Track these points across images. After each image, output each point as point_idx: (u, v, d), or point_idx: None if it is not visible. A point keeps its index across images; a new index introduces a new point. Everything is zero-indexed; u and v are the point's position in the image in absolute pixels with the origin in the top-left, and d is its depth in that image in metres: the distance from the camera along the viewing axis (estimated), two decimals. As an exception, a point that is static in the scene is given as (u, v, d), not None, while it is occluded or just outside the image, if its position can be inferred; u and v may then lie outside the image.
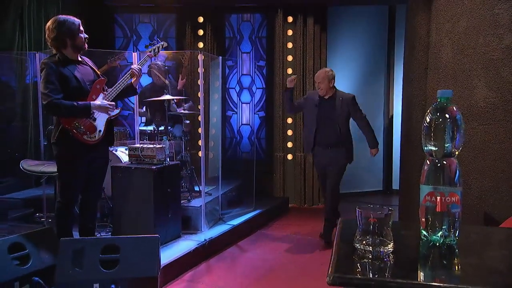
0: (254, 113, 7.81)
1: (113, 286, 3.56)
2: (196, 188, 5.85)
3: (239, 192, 6.28)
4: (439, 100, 1.60)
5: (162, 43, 4.65)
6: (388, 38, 7.38)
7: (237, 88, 7.73)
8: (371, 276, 1.24)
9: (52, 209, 4.85)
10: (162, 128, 5.61)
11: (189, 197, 5.64)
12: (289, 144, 7.23)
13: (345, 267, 1.32)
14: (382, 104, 7.43)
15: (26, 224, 5.28)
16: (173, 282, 4.36)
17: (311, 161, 7.13)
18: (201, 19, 7.27)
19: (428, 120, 1.58)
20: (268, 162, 7.04)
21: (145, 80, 6.23)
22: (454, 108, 1.54)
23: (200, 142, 5.97)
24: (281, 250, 4.93)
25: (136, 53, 5.92)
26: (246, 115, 7.84)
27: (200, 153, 5.80)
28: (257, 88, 7.73)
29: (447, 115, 1.50)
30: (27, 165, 5.20)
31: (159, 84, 6.05)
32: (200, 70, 5.60)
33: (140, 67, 4.04)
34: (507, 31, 4.69)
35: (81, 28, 3.89)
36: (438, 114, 1.53)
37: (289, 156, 6.92)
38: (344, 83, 7.23)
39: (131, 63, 5.80)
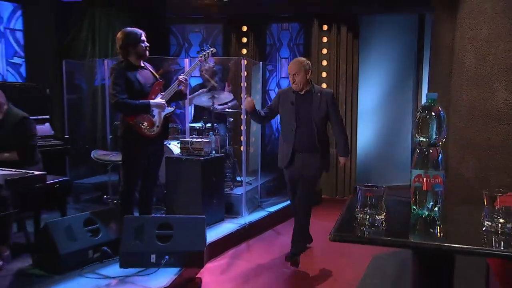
0: None
1: (166, 257, 3.88)
2: (238, 178, 5.99)
3: (276, 183, 6.38)
4: (427, 100, 1.83)
5: (211, 49, 4.92)
6: (418, 45, 7.31)
7: (276, 90, 7.74)
8: (363, 235, 1.49)
9: (116, 192, 5.29)
10: (209, 124, 5.72)
11: (231, 186, 5.80)
12: None
13: (345, 229, 1.58)
14: (411, 108, 7.33)
15: (96, 205, 5.64)
16: (217, 257, 4.57)
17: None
18: (245, 28, 7.39)
19: (417, 116, 1.83)
20: None
21: (196, 81, 6.50)
22: (439, 107, 1.78)
23: (242, 138, 6.09)
24: (313, 234, 5.07)
25: (187, 59, 6.27)
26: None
27: (242, 148, 5.95)
28: None
29: (433, 113, 1.73)
30: (97, 154, 5.69)
31: (208, 86, 6.16)
32: (243, 73, 5.79)
33: (186, 77, 4.32)
34: None
35: (143, 38, 4.23)
36: (426, 112, 1.76)
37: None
38: (375, 87, 7.55)
39: (183, 67, 6.22)
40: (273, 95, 7.68)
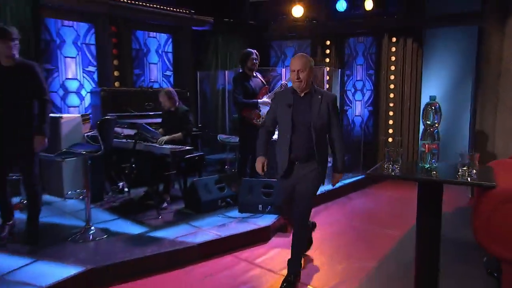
0: (365, 108, 7.93)
1: (269, 207, 4.58)
2: None
3: (351, 162, 6.76)
4: (430, 99, 2.51)
5: None
6: (477, 52, 6.96)
7: (352, 90, 7.95)
8: (383, 173, 2.27)
9: (232, 164, 6.24)
10: None
11: None
12: (390, 130, 7.26)
13: (377, 171, 2.35)
14: (468, 106, 7.10)
15: (219, 173, 6.16)
16: None
17: (406, 143, 6.98)
18: (328, 42, 7.70)
19: (424, 108, 2.50)
20: (373, 143, 7.27)
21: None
22: (436, 103, 2.45)
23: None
24: (377, 200, 5.56)
25: (284, 69, 6.92)
26: (358, 109, 7.98)
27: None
28: (367, 90, 7.83)
29: (432, 107, 2.42)
30: (222, 138, 6.44)
31: None
32: (325, 78, 6.32)
33: (287, 82, 4.90)
34: None
35: (253, 56, 4.96)
36: (428, 106, 2.45)
37: (390, 139, 7.08)
38: (437, 88, 7.45)
39: (280, 74, 6.90)
40: (350, 94, 7.98)
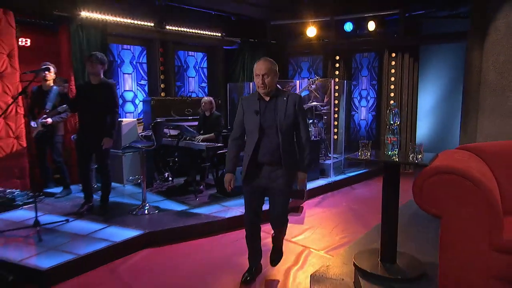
0: (369, 113, 8.08)
1: None
2: (329, 154, 6.61)
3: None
4: (391, 105, 2.95)
5: (316, 77, 5.87)
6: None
7: (358, 98, 8.16)
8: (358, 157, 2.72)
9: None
10: (310, 120, 6.21)
11: (324, 158, 6.51)
12: None
13: (353, 156, 2.86)
14: (459, 113, 6.52)
15: None
16: (313, 198, 5.50)
17: (404, 143, 6.79)
18: (337, 58, 7.92)
19: (387, 111, 2.94)
20: (376, 143, 6.99)
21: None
22: (395, 107, 2.89)
23: (331, 129, 6.85)
24: (375, 190, 5.78)
25: (298, 81, 7.17)
26: (363, 114, 8.17)
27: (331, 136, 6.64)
28: (370, 97, 8.03)
29: (393, 111, 2.83)
30: None
31: (313, 97, 6.70)
32: (332, 88, 6.58)
33: (301, 94, 5.27)
34: None
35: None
36: (389, 109, 2.85)
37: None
38: (431, 96, 7.59)
39: (295, 85, 6.97)
40: (356, 101, 8.09)
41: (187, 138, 5.23)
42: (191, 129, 5.32)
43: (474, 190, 2.10)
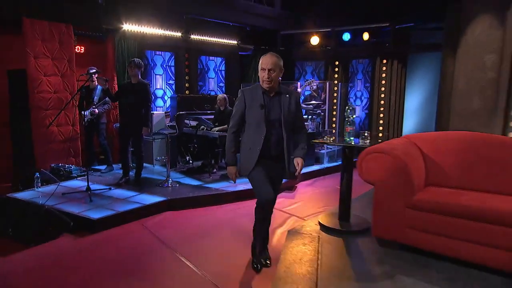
0: (362, 111, 8.21)
1: None
2: (325, 145, 6.62)
3: None
4: (349, 104, 3.46)
5: (312, 79, 6.31)
6: None
7: (354, 98, 8.31)
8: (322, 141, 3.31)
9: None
10: (309, 116, 6.60)
11: (319, 148, 6.70)
12: (380, 128, 7.65)
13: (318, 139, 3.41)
14: None
15: None
16: (307, 180, 5.85)
17: (392, 137, 6.89)
18: (337, 63, 8.14)
19: (345, 108, 3.45)
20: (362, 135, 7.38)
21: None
22: (351, 105, 3.40)
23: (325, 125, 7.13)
24: None
25: (299, 82, 7.48)
26: (357, 112, 8.21)
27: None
28: (364, 98, 8.17)
29: (350, 107, 3.33)
30: None
31: (313, 96, 7.00)
32: (327, 89, 6.86)
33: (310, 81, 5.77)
34: (489, 71, 5.32)
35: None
36: (346, 107, 3.39)
37: (380, 134, 7.29)
38: (415, 99, 7.67)
39: (297, 86, 7.24)
40: (352, 101, 8.17)
41: (204, 129, 5.66)
42: (208, 121, 5.73)
43: (394, 164, 2.66)
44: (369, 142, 3.14)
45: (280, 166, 2.65)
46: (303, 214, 4.24)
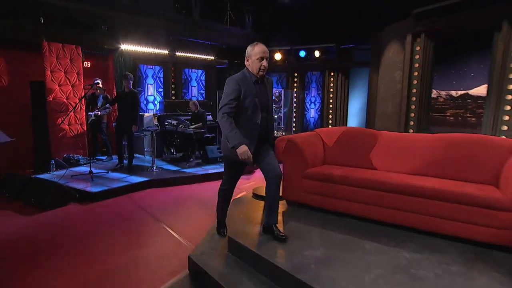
0: (316, 113, 8.66)
1: None
2: None
3: None
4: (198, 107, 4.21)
5: (275, 89, 7.08)
6: None
7: (309, 102, 8.79)
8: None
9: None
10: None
11: None
12: (329, 126, 8.04)
13: None
14: None
15: None
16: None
17: None
18: (295, 74, 8.57)
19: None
20: None
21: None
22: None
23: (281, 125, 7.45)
24: None
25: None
26: (312, 113, 8.78)
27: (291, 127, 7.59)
28: (317, 102, 8.63)
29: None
30: None
31: (275, 101, 7.68)
32: (283, 97, 7.63)
33: None
34: (398, 83, 6.17)
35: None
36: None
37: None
38: (356, 104, 8.18)
39: None
40: (307, 105, 8.56)
41: (183, 126, 6.22)
42: (186, 121, 6.30)
43: (294, 148, 3.32)
44: (284, 133, 3.89)
45: (267, 147, 2.47)
46: (251, 190, 4.91)
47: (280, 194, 3.00)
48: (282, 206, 3.28)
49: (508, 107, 4.51)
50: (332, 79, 8.30)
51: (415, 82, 5.70)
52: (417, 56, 5.65)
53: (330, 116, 8.41)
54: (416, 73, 5.70)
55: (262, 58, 2.31)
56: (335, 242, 2.57)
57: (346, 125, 8.23)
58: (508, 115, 4.53)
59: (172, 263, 2.81)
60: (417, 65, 5.68)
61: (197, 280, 2.58)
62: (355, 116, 8.39)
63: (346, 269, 2.16)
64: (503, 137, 3.94)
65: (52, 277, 2.63)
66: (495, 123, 4.51)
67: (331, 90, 8.34)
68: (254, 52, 2.34)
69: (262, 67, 2.32)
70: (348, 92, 8.23)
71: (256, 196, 3.94)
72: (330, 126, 8.35)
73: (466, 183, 2.81)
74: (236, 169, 2.60)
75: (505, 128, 4.54)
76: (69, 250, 3.09)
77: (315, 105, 8.80)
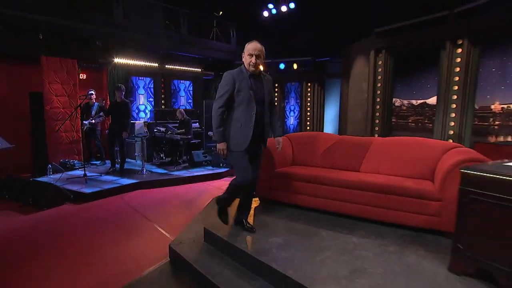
0: (295, 120, 8.84)
1: (224, 163, 6.28)
2: None
3: None
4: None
5: None
6: None
7: (289, 110, 8.95)
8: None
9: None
10: None
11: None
12: (308, 129, 8.29)
13: None
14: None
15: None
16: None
17: None
18: (276, 85, 8.57)
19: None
20: None
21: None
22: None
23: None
24: None
25: None
26: (291, 121, 8.94)
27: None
28: (296, 110, 8.79)
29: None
30: (210, 133, 7.40)
31: None
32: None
33: None
34: (364, 93, 6.49)
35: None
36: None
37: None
38: (331, 112, 8.41)
39: None
40: (287, 112, 8.75)
41: (170, 133, 6.41)
42: (173, 128, 6.48)
43: (265, 151, 3.53)
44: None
45: (258, 146, 2.47)
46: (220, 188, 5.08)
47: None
48: (254, 202, 3.48)
49: (453, 114, 4.92)
50: (309, 89, 8.51)
51: (378, 92, 6.07)
52: (380, 69, 6.03)
53: (308, 123, 8.60)
54: (379, 84, 6.07)
55: (251, 55, 2.35)
56: (296, 231, 2.83)
57: (323, 131, 8.42)
58: (453, 121, 4.94)
59: (155, 252, 3.03)
60: (379, 77, 6.06)
61: (176, 265, 2.83)
62: (331, 122, 8.65)
63: (301, 252, 2.43)
64: (439, 140, 4.22)
65: (47, 264, 2.82)
66: (444, 128, 4.91)
67: (309, 99, 8.53)
68: (247, 49, 2.40)
69: (251, 63, 2.36)
70: (324, 101, 8.44)
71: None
72: (309, 128, 8.58)
73: (409, 178, 3.11)
74: (248, 161, 2.42)
75: (451, 132, 4.94)
76: (62, 243, 3.26)
77: (294, 113, 8.99)
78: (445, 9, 4.84)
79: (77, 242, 3.27)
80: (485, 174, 2.00)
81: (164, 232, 3.55)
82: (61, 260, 2.93)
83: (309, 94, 8.53)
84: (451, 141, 4.97)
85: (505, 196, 1.86)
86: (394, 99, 6.35)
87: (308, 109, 8.58)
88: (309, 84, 8.50)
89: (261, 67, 2.41)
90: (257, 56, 2.35)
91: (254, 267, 2.38)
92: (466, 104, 4.79)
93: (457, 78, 4.93)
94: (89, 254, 3.02)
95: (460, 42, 4.86)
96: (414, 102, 6.14)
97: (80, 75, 6.88)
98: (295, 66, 8.31)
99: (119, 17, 6.78)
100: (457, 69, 4.93)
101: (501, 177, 1.92)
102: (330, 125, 8.63)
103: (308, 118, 8.63)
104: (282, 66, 8.47)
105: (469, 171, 2.08)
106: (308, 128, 8.63)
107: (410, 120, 6.23)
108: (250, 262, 2.43)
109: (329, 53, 7.98)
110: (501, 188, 1.88)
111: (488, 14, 4.43)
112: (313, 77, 8.33)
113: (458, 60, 4.91)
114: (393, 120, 6.36)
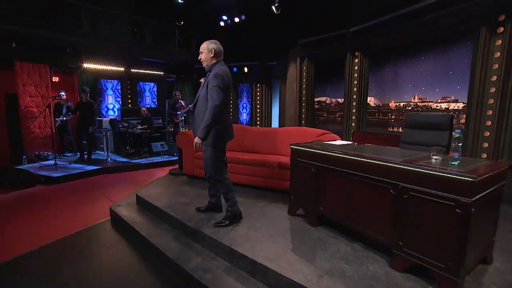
0: (247, 115, 9.43)
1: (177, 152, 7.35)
2: None
3: None
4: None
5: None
6: None
7: (241, 108, 9.49)
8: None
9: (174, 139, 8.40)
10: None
11: None
12: (258, 126, 8.73)
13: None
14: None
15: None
16: None
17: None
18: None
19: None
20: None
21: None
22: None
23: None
24: None
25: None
26: (244, 116, 9.47)
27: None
28: (248, 107, 9.35)
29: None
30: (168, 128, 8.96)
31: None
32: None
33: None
34: (294, 93, 7.13)
35: (177, 94, 7.07)
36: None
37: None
38: (277, 108, 8.62)
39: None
40: (241, 109, 9.42)
41: (133, 128, 7.04)
42: (135, 123, 7.11)
43: (187, 138, 4.58)
44: (187, 130, 5.03)
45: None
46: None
47: (186, 172, 4.06)
48: (183, 178, 4.30)
49: (354, 110, 6.01)
50: (258, 89, 9.06)
51: (304, 92, 7.05)
52: (304, 74, 6.98)
53: (258, 119, 9.14)
54: (304, 86, 7.04)
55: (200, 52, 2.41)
56: (201, 195, 3.78)
57: (271, 125, 9.17)
58: (354, 116, 6.03)
59: (101, 214, 3.92)
60: (304, 79, 7.02)
61: (114, 222, 3.77)
62: (277, 117, 9.25)
63: (194, 205, 3.41)
64: (315, 129, 4.47)
65: (17, 230, 3.61)
66: (348, 122, 5.99)
67: (258, 98, 9.08)
68: None
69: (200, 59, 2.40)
70: (271, 99, 8.95)
71: (171, 174, 5.12)
72: (258, 126, 9.31)
73: (283, 156, 4.00)
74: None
75: (353, 124, 6.02)
76: (31, 214, 3.99)
77: (246, 110, 9.56)
78: (343, 29, 5.91)
79: (40, 213, 3.99)
80: (300, 148, 2.98)
81: (111, 201, 4.43)
82: (27, 227, 3.66)
83: (258, 93, 9.10)
84: (352, 131, 6.05)
85: (307, 161, 2.84)
86: (325, 98, 7.14)
87: (258, 106, 9.25)
88: (258, 85, 9.06)
89: (204, 63, 2.44)
90: (201, 53, 2.44)
91: (161, 216, 3.35)
92: (361, 102, 5.89)
93: (355, 82, 6.02)
94: (49, 216, 3.89)
95: (356, 53, 5.94)
96: (340, 100, 7.13)
97: (53, 78, 7.31)
98: (245, 69, 8.98)
99: (87, 27, 7.23)
100: (355, 75, 6.03)
101: (304, 148, 2.92)
102: (276, 119, 9.21)
103: (258, 114, 9.30)
104: (235, 69, 9.10)
105: (293, 146, 3.06)
106: (258, 123, 9.31)
107: (337, 116, 7.01)
108: (159, 213, 3.39)
109: (275, 58, 8.65)
110: (306, 155, 2.86)
111: (375, 33, 5.36)
112: (261, 79, 9.00)
113: (356, 67, 6.00)
114: (324, 115, 7.19)
